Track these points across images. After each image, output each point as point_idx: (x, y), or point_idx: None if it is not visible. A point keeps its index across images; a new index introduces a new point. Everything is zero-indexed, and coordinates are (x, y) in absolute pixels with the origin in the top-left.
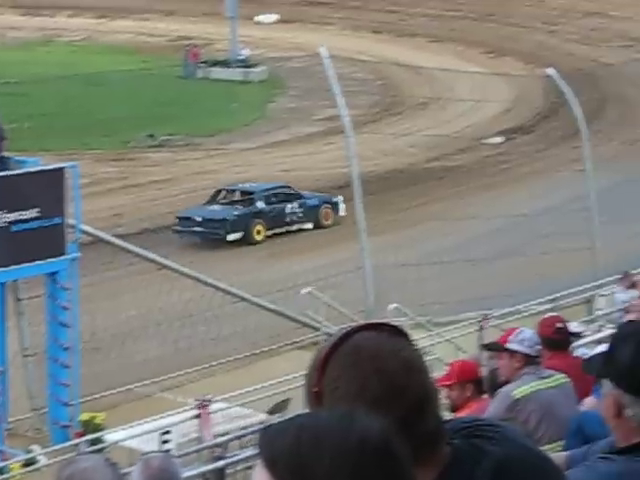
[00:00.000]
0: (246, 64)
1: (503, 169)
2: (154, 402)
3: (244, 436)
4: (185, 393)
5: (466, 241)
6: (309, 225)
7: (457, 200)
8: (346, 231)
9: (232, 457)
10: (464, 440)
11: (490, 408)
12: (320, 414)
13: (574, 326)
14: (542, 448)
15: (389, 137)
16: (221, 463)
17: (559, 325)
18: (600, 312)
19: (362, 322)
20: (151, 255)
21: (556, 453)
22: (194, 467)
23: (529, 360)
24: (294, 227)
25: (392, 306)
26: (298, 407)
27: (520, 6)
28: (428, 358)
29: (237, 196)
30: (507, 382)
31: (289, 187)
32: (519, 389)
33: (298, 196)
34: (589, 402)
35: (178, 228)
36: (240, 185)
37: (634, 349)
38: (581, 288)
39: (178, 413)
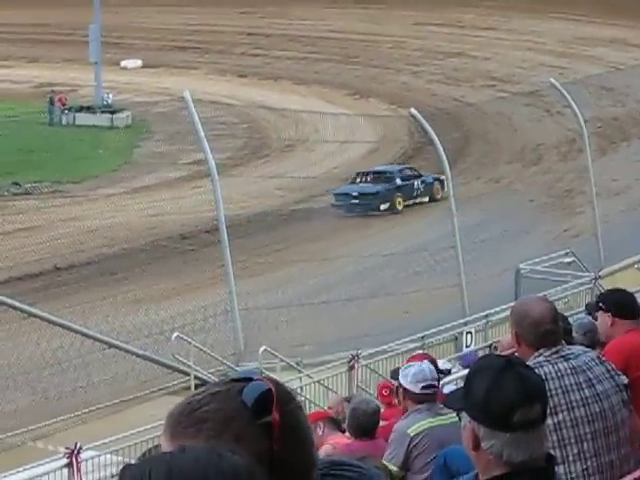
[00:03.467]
0: (111, 109)
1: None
2: (25, 452)
3: None
4: (56, 442)
5: (335, 282)
6: (426, 199)
7: (326, 241)
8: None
9: None
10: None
11: (388, 445)
12: (187, 450)
13: (442, 363)
14: None
15: (256, 180)
16: None
17: None
18: (468, 349)
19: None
20: (17, 304)
21: None
22: None
23: (410, 395)
24: (418, 200)
25: (262, 348)
26: None
27: (383, 48)
28: (299, 399)
29: (371, 177)
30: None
31: (412, 168)
32: (413, 426)
33: (419, 175)
34: None
35: (336, 203)
36: (374, 168)
37: (488, 383)
38: (449, 326)
39: (48, 462)
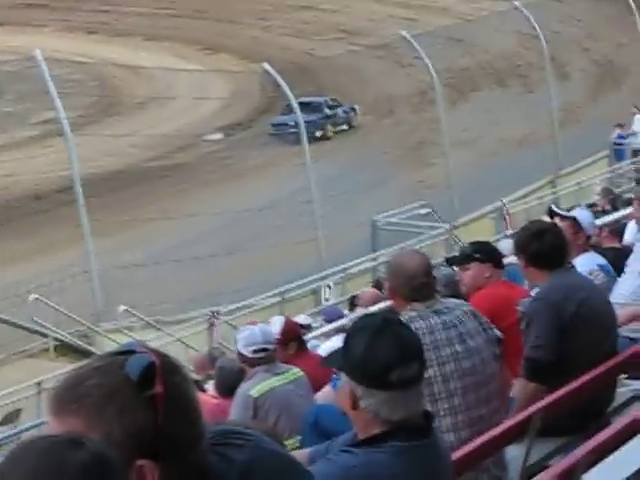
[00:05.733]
0: None
1: (225, 165)
2: None
3: None
4: None
5: (192, 239)
6: (345, 127)
7: (181, 198)
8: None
9: None
10: (212, 450)
11: (232, 409)
12: (29, 449)
13: (302, 318)
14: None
15: (109, 138)
16: None
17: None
18: (327, 303)
19: None
20: None
21: (299, 451)
22: None
23: (244, 359)
24: (344, 127)
25: (121, 308)
26: (30, 416)
27: (233, 2)
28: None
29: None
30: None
31: (333, 99)
32: (255, 388)
33: (340, 105)
34: (323, 394)
35: (274, 132)
36: (301, 99)
37: (365, 342)
38: (308, 280)
39: None
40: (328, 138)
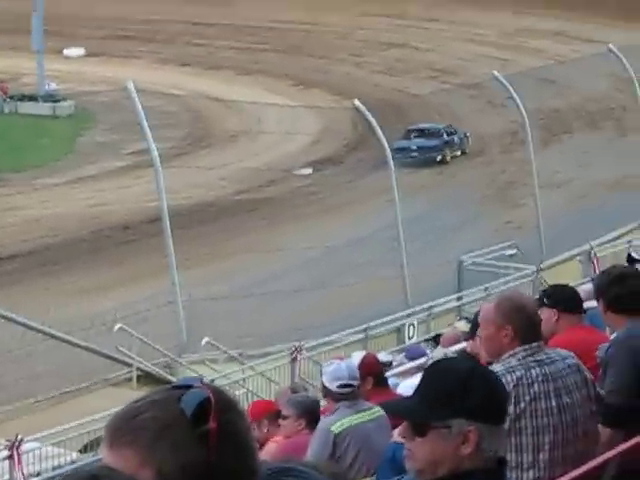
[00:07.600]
0: (54, 98)
1: (313, 200)
2: None
3: (55, 476)
4: None
5: (278, 273)
6: (459, 152)
7: (268, 232)
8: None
9: None
10: None
11: (311, 445)
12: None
13: (383, 356)
14: None
15: (199, 170)
16: None
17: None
18: (411, 341)
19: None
20: None
21: None
22: None
23: (328, 393)
24: (457, 152)
25: (205, 340)
26: None
27: (327, 38)
28: (240, 391)
29: (421, 133)
30: None
31: (450, 126)
32: (336, 424)
33: (455, 131)
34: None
35: (396, 156)
36: (420, 125)
37: (487, 381)
38: (392, 317)
39: None
40: (447, 162)
